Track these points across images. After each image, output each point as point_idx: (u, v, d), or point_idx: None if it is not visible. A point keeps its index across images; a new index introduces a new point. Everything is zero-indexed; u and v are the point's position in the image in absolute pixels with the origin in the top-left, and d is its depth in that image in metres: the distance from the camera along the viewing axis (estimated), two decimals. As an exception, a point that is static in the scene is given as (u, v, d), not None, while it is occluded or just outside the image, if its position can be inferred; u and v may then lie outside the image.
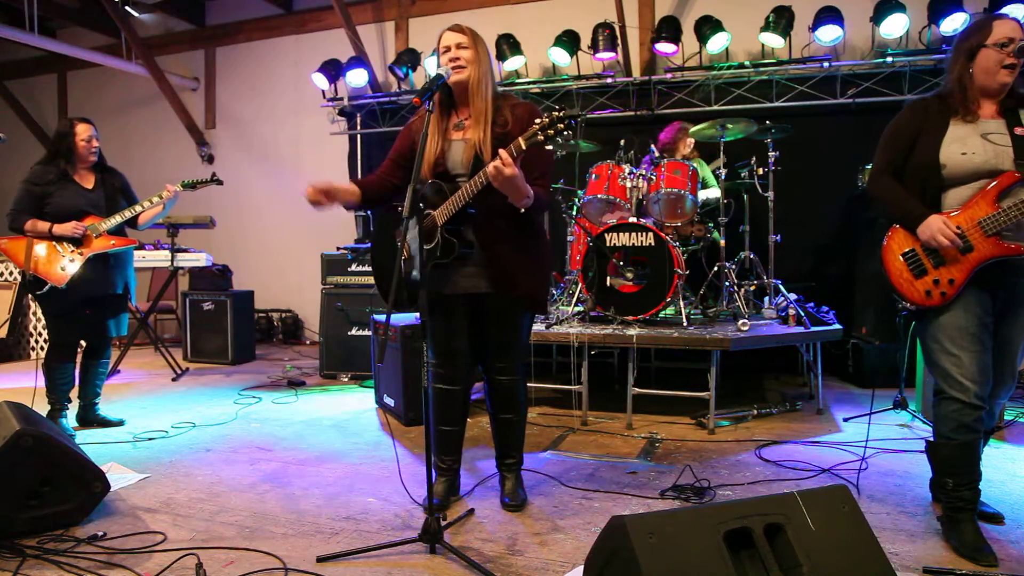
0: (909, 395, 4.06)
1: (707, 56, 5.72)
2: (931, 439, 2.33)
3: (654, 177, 4.33)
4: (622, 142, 4.73)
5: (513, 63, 6.13)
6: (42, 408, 3.31)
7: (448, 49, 2.42)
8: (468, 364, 2.62)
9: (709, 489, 2.77)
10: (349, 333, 5.33)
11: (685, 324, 4.07)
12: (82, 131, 3.66)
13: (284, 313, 7.74)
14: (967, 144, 2.20)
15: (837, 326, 4.17)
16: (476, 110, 2.43)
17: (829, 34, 5.29)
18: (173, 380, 5.36)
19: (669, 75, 5.86)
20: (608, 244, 4.14)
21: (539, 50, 6.10)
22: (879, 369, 4.65)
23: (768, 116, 5.01)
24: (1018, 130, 2.19)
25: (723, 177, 4.44)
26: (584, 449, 3.44)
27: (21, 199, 3.60)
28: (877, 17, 5.22)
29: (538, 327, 3.95)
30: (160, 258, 5.88)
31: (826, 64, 5.42)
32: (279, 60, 7.67)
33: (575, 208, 4.77)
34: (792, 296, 4.39)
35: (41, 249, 3.59)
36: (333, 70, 6.73)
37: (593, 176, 4.49)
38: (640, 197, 4.33)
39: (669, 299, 4.07)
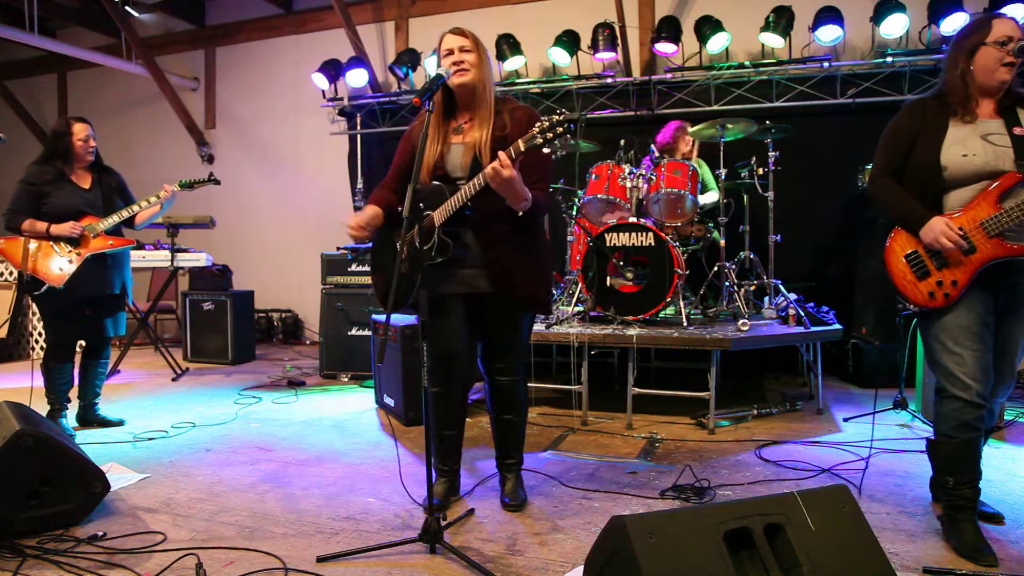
0: (909, 395, 4.06)
1: (707, 56, 5.72)
2: (932, 438, 2.33)
3: (654, 177, 4.33)
4: (622, 142, 4.73)
5: (513, 63, 6.13)
6: (41, 408, 3.31)
7: (451, 52, 2.42)
8: (465, 366, 2.62)
9: (709, 489, 2.77)
10: (349, 333, 5.33)
11: (685, 324, 4.07)
12: (79, 131, 3.64)
13: (284, 313, 7.73)
14: (967, 146, 2.20)
15: (837, 326, 4.17)
16: (477, 114, 2.44)
17: (829, 34, 5.29)
18: (173, 380, 5.36)
19: (669, 75, 5.86)
20: (608, 244, 4.14)
21: (539, 50, 6.10)
22: (879, 369, 4.65)
23: (768, 116, 5.01)
24: (1017, 130, 2.19)
25: (723, 177, 4.44)
26: (584, 449, 3.44)
27: (18, 199, 3.58)
28: (877, 17, 5.22)
29: (538, 327, 3.95)
30: (160, 258, 5.89)
31: (826, 64, 5.42)
32: (279, 60, 7.66)
33: (575, 208, 4.76)
34: (792, 296, 4.39)
35: (38, 249, 3.57)
36: (333, 70, 6.73)
37: (593, 176, 4.48)
38: (640, 197, 4.33)
39: (669, 299, 4.07)
